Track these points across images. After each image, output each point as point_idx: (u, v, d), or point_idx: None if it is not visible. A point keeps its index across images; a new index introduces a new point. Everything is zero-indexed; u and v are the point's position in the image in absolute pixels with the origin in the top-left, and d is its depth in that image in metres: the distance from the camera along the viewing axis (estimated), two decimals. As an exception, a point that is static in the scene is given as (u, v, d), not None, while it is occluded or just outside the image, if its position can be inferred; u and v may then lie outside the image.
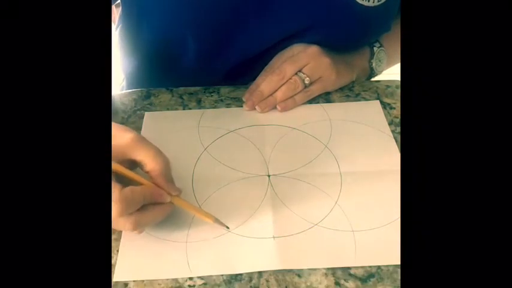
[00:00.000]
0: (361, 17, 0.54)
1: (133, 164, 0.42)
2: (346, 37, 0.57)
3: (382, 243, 0.42)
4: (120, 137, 0.41)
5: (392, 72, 0.67)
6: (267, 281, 0.40)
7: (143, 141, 0.42)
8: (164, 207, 0.42)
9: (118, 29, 0.70)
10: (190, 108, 0.57)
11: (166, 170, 0.42)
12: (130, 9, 0.62)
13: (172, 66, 0.63)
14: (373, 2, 0.53)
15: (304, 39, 0.57)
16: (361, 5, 0.53)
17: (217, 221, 0.43)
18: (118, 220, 0.38)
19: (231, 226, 0.43)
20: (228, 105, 0.57)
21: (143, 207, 0.40)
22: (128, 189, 0.39)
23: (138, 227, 0.40)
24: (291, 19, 0.55)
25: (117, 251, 0.42)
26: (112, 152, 0.40)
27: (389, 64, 0.65)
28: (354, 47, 0.61)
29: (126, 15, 0.65)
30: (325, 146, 0.52)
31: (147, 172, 0.42)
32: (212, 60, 0.60)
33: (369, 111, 0.56)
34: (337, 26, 0.56)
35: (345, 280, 0.40)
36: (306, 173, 0.49)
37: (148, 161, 0.41)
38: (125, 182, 0.40)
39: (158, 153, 0.42)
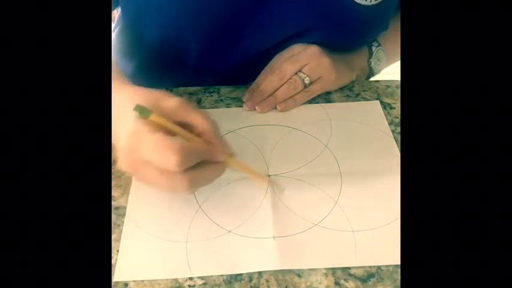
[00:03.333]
0: (359, 16, 0.54)
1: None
2: (345, 36, 0.57)
3: (382, 243, 0.42)
4: (166, 101, 0.40)
5: (392, 72, 0.67)
6: (267, 281, 0.40)
7: (190, 105, 0.41)
8: (218, 167, 0.41)
9: (117, 31, 0.70)
10: (190, 108, 0.57)
11: (218, 130, 0.41)
12: (130, 10, 0.62)
13: (172, 68, 0.63)
14: (371, 1, 0.53)
15: (304, 39, 0.57)
16: (359, 4, 0.53)
17: (271, 182, 0.44)
18: (174, 179, 0.37)
19: (231, 226, 0.43)
20: (228, 105, 0.57)
21: (197, 166, 0.38)
22: (186, 143, 0.38)
23: (193, 185, 0.38)
24: (291, 20, 0.55)
25: (117, 251, 0.42)
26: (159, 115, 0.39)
27: (388, 62, 0.65)
28: (353, 46, 0.61)
29: (125, 16, 0.65)
30: (325, 146, 0.52)
31: (198, 134, 0.41)
32: (212, 61, 0.60)
33: (369, 111, 0.56)
34: (336, 26, 0.56)
35: (345, 280, 0.40)
36: (306, 173, 0.49)
37: (200, 122, 0.40)
38: None
39: (207, 114, 0.41)
